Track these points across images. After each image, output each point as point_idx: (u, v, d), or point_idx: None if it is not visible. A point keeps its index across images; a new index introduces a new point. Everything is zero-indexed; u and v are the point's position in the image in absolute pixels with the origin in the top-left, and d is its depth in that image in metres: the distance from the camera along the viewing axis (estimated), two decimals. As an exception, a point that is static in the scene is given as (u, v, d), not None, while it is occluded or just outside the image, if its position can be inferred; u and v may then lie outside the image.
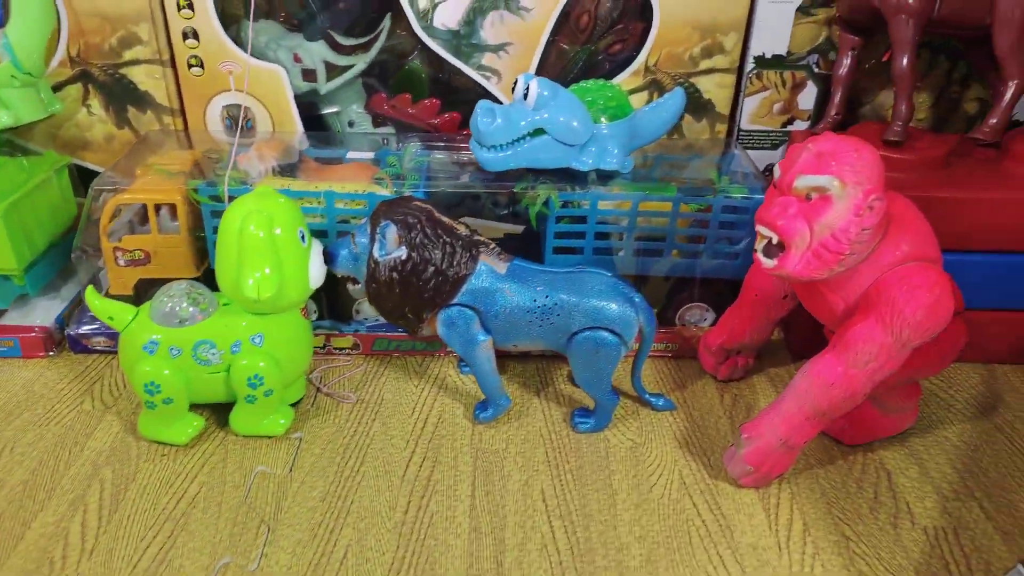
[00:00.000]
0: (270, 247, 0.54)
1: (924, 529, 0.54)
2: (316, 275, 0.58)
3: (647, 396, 0.64)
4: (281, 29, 0.75)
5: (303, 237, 0.57)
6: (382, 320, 0.70)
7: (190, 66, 0.74)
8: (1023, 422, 0.63)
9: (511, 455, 0.59)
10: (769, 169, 0.78)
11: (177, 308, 0.57)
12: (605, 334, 0.58)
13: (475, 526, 0.53)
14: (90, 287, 0.57)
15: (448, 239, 0.58)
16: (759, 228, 0.52)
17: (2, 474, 0.57)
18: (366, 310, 0.71)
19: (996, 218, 0.64)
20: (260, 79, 0.74)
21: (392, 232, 0.57)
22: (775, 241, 0.51)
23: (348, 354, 0.70)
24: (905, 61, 0.63)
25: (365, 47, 0.76)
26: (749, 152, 0.77)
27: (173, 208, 0.65)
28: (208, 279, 0.62)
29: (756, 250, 0.53)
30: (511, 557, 0.51)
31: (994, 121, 0.66)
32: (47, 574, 0.49)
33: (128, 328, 0.57)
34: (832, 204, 0.48)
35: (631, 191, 0.65)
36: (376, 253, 0.57)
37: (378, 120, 0.79)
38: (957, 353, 0.57)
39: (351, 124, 0.79)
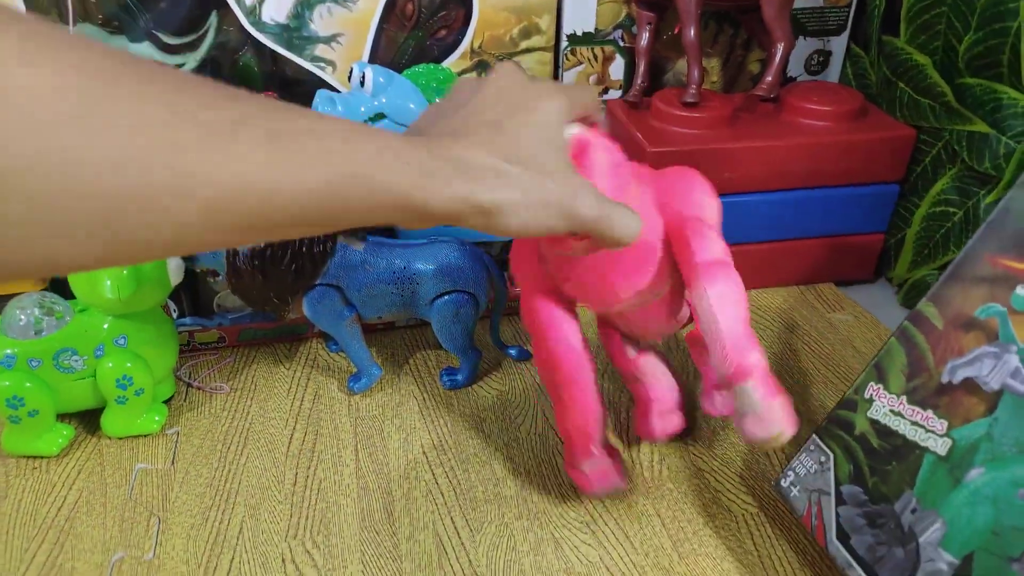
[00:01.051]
0: (125, 247, 0.55)
1: (747, 427, 0.64)
2: (175, 271, 0.59)
3: (506, 349, 0.70)
4: (102, 32, 0.73)
5: (158, 235, 0.58)
6: (246, 311, 0.72)
7: (5, 74, 0.71)
8: (818, 331, 0.75)
9: (388, 418, 0.64)
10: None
11: (31, 319, 0.57)
12: (461, 296, 0.63)
13: (363, 485, 0.57)
14: (-70, 308, 0.56)
15: (304, 223, 0.60)
16: None
17: None
18: (228, 302, 0.72)
19: (778, 162, 0.75)
20: (85, 83, 0.73)
21: (248, 221, 0.59)
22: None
23: (214, 348, 0.71)
24: (692, 32, 0.72)
25: (192, 45, 0.77)
26: (572, 122, 0.85)
27: (8, 221, 0.63)
28: (56, 288, 0.61)
29: None
30: (400, 506, 0.55)
31: (769, 79, 0.77)
32: (-72, 599, 0.48)
33: (-21, 346, 0.56)
34: None
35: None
36: (235, 243, 0.59)
37: (215, 117, 0.79)
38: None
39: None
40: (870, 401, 0.47)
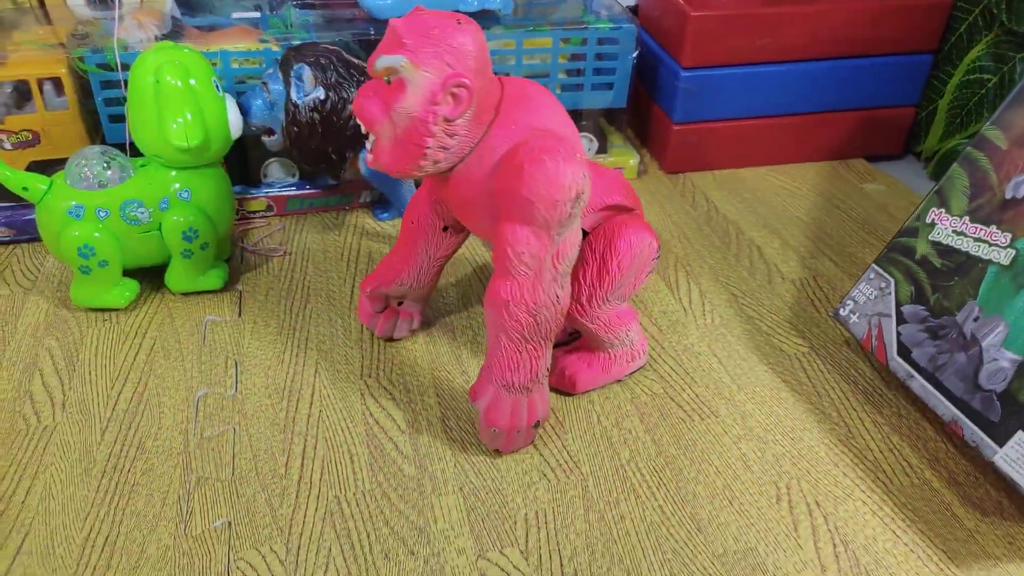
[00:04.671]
0: (189, 95, 0.55)
1: (792, 281, 0.66)
2: (235, 124, 0.59)
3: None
4: None
5: (217, 87, 0.58)
6: (291, 180, 0.72)
7: (37, -61, 0.69)
8: (852, 199, 0.77)
9: (445, 275, 0.65)
10: (632, 6, 0.86)
11: (95, 171, 0.57)
12: (515, 155, 0.64)
13: (428, 332, 0.59)
14: (-3, 160, 0.56)
15: (362, 77, 0.61)
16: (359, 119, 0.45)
17: (-68, 362, 0.55)
18: (274, 172, 0.72)
19: (814, 28, 0.75)
20: (118, -50, 0.71)
21: (308, 73, 0.59)
22: (363, 130, 0.45)
23: (264, 216, 0.72)
24: None
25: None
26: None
27: (57, 83, 0.63)
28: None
29: (367, 148, 0.46)
30: (465, 349, 0.57)
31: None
32: (25, 429, 0.50)
33: (45, 198, 0.56)
34: (406, 88, 0.41)
35: (512, 31, 0.70)
36: (294, 97, 0.59)
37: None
38: (651, 261, 0.51)
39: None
40: (932, 225, 0.49)
